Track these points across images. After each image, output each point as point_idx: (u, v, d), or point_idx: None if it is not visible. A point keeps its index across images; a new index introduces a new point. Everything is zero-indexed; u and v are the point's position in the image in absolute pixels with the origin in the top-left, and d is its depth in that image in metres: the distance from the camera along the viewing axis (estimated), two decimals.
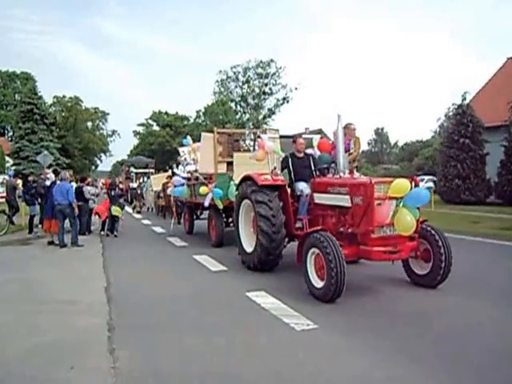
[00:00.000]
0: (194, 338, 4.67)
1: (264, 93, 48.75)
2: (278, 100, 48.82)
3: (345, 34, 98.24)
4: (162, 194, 18.88)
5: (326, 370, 3.86)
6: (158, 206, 21.19)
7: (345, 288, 5.50)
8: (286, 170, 7.96)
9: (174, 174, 15.32)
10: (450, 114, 21.84)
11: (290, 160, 7.91)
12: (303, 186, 7.43)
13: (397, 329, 4.78)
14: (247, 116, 48.94)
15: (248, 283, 6.82)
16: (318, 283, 5.77)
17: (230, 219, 11.12)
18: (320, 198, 6.93)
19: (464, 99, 21.92)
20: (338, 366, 3.93)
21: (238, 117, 49.02)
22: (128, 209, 22.19)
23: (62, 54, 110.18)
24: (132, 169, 34.64)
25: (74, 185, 12.91)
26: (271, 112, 48.00)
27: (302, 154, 8.02)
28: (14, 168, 36.16)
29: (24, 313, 5.71)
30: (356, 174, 7.24)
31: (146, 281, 7.43)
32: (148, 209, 23.93)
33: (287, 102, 48.62)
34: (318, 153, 8.50)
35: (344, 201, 6.29)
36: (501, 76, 25.82)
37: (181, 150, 14.11)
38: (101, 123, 64.16)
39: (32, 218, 13.79)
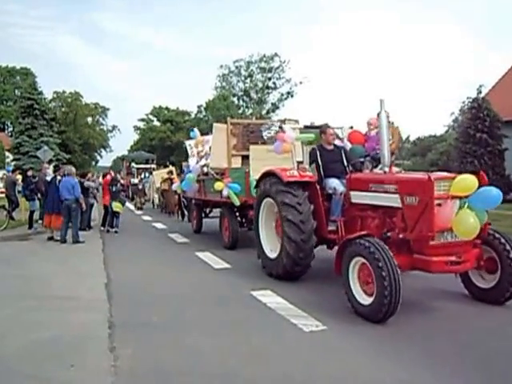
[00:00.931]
0: (196, 337, 4.57)
1: (267, 87, 48.63)
2: (282, 94, 48.73)
3: (352, 27, 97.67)
4: (165, 188, 18.42)
5: (335, 372, 3.74)
6: (161, 203, 20.56)
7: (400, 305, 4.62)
8: (313, 165, 7.11)
9: (181, 171, 14.89)
10: (465, 108, 21.13)
11: (318, 153, 6.98)
12: (335, 183, 6.58)
13: (407, 331, 4.65)
14: (250, 111, 48.80)
15: (252, 281, 6.68)
16: (365, 299, 4.86)
17: (243, 219, 10.36)
18: (358, 197, 6.00)
19: (479, 92, 21.39)
20: (347, 369, 3.81)
21: (240, 111, 48.87)
22: (129, 205, 21.88)
23: (62, 49, 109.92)
24: (133, 164, 34.42)
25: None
26: (275, 107, 47.92)
27: (331, 147, 7.14)
28: (13, 163, 36.07)
29: (23, 309, 5.63)
30: (394, 169, 6.25)
31: (147, 278, 7.33)
32: (154, 206, 23.09)
33: (291, 96, 48.51)
34: (349, 145, 7.66)
35: (392, 201, 5.39)
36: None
37: (187, 143, 13.43)
38: (101, 118, 64.04)
39: (32, 213, 13.72)
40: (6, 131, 58.77)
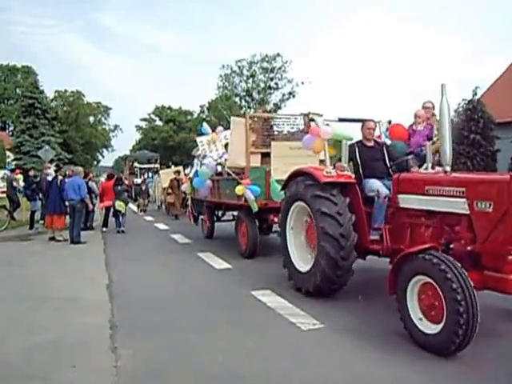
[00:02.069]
0: (198, 336, 4.60)
1: (269, 87, 48.60)
2: (283, 95, 48.66)
3: (353, 27, 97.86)
4: (170, 191, 17.56)
5: (332, 370, 3.79)
6: (167, 205, 19.38)
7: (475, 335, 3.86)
8: (350, 164, 6.28)
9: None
10: (460, 109, 21.35)
11: (357, 150, 6.07)
12: (378, 185, 5.68)
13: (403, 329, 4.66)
14: (252, 111, 48.81)
15: (253, 282, 6.72)
16: (430, 327, 4.05)
17: (262, 223, 9.35)
18: (409, 201, 5.13)
19: (475, 94, 21.57)
20: (344, 366, 3.85)
21: (242, 112, 48.90)
22: (132, 206, 21.38)
23: (64, 47, 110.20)
24: (136, 164, 33.96)
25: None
26: (277, 107, 47.80)
27: (372, 143, 6.24)
28: (14, 163, 36.11)
29: (25, 310, 5.65)
30: (438, 170, 5.51)
31: (149, 278, 7.35)
32: (158, 207, 22.13)
33: (293, 96, 48.42)
34: (387, 141, 6.96)
35: (456, 206, 4.52)
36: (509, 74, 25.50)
37: (199, 140, 12.30)
38: (103, 118, 64.05)
39: (33, 213, 13.74)
40: (7, 130, 58.83)
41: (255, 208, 8.15)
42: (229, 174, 9.17)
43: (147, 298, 6.13)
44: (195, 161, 11.78)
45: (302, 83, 47.38)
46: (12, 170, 16.80)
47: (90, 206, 11.68)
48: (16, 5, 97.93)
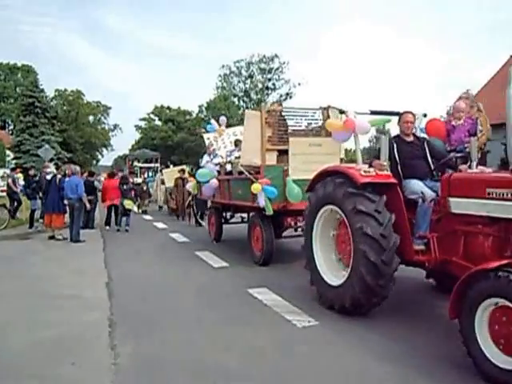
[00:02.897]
0: (196, 334, 4.66)
1: (267, 88, 48.67)
2: (280, 96, 48.76)
3: (351, 28, 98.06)
4: (174, 195, 16.59)
5: (327, 366, 3.86)
6: (170, 205, 18.53)
7: None
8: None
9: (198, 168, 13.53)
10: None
11: (395, 146, 5.30)
12: (420, 186, 5.01)
13: (398, 326, 4.76)
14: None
15: (249, 280, 6.81)
16: (506, 361, 3.33)
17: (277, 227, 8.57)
18: (465, 206, 4.44)
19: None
20: (338, 363, 3.92)
21: (240, 112, 48.97)
22: (135, 208, 20.60)
23: (63, 46, 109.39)
24: (136, 163, 33.59)
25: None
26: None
27: (411, 138, 5.49)
28: (14, 162, 36.15)
29: (24, 307, 5.69)
30: (484, 169, 4.98)
31: (148, 276, 7.41)
32: (160, 208, 21.19)
33: (290, 97, 48.52)
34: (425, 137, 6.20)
35: None
36: (503, 74, 25.69)
37: (206, 136, 11.75)
38: (102, 117, 64.01)
39: (33, 212, 13.78)
40: (7, 129, 58.73)
41: (270, 211, 7.48)
42: (240, 173, 8.41)
43: (146, 295, 6.20)
44: (205, 157, 11.08)
45: (299, 84, 47.57)
46: (13, 170, 16.83)
47: (88, 206, 11.70)
48: (17, 3, 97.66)
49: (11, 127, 58.27)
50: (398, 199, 4.93)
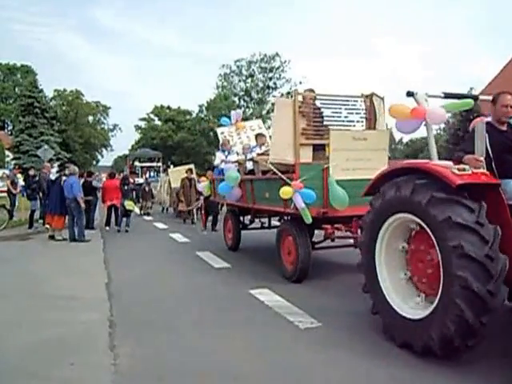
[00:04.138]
0: (196, 335, 4.62)
1: (268, 87, 48.65)
2: (282, 95, 48.70)
3: (351, 27, 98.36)
4: (181, 192, 15.46)
5: (330, 368, 3.80)
6: (176, 206, 17.63)
7: None
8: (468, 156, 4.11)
9: (212, 168, 12.48)
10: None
11: (486, 137, 4.07)
12: None
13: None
14: (250, 111, 48.85)
15: (251, 280, 6.75)
16: None
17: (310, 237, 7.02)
18: None
19: None
20: (342, 365, 3.86)
21: (241, 111, 48.98)
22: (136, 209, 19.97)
23: (63, 46, 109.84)
24: (136, 163, 33.22)
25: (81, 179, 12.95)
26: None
27: (504, 127, 4.34)
28: (13, 162, 36.15)
29: (24, 308, 5.67)
30: None
31: (148, 277, 7.37)
32: (163, 209, 20.36)
33: (291, 96, 48.50)
34: None
35: None
36: (509, 71, 25.64)
37: (219, 131, 10.73)
38: (102, 117, 64.04)
39: (32, 212, 13.76)
40: (6, 130, 58.73)
41: (308, 219, 6.20)
42: (264, 172, 7.53)
43: (146, 296, 6.15)
44: (218, 154, 10.05)
45: (300, 83, 47.49)
46: (13, 169, 16.89)
47: (83, 206, 11.62)
48: (14, 3, 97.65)
49: (10, 128, 58.30)
50: (501, 206, 3.78)
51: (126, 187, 13.75)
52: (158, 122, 63.02)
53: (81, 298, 6.06)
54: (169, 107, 63.32)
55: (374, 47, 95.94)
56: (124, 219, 13.49)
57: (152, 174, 29.26)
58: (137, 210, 14.52)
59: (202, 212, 13.61)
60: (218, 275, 7.37)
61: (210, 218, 13.27)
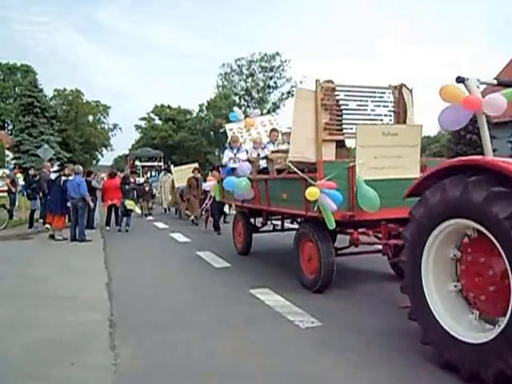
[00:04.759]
0: (197, 335, 4.61)
1: (269, 86, 48.65)
2: (282, 94, 48.73)
3: (352, 26, 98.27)
4: (187, 192, 14.73)
5: (330, 368, 3.80)
6: (178, 206, 17.13)
7: None
8: None
9: (217, 168, 12.27)
10: None
11: None
12: None
13: (402, 328, 4.69)
14: (251, 110, 48.90)
15: (252, 280, 6.74)
16: None
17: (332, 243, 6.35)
18: None
19: None
20: (342, 365, 3.86)
21: (242, 111, 48.95)
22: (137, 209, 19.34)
23: (63, 45, 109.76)
24: (137, 162, 32.86)
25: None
26: (275, 106, 47.91)
27: None
28: (13, 162, 36.15)
29: (24, 308, 5.66)
30: None
31: (148, 277, 7.36)
32: (165, 210, 19.72)
33: (292, 96, 48.43)
34: None
35: None
36: (510, 70, 25.60)
37: (228, 127, 10.14)
38: (102, 117, 64.03)
39: (33, 212, 13.76)
40: (6, 129, 58.74)
41: (332, 224, 5.53)
42: (279, 172, 7.06)
43: (146, 296, 6.15)
44: (226, 152, 9.56)
45: (301, 82, 47.45)
46: (13, 170, 16.90)
47: (91, 204, 11.70)
48: (14, 2, 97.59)
49: (10, 127, 58.28)
50: None
51: (126, 187, 13.74)
52: (158, 122, 63.01)
53: (81, 298, 6.06)
54: (169, 107, 63.32)
55: (376, 48, 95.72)
56: (124, 219, 13.49)
57: (153, 173, 28.83)
58: (137, 210, 14.45)
59: (205, 212, 13.32)
60: (218, 275, 7.36)
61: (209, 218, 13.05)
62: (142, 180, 22.86)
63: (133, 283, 6.94)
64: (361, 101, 6.59)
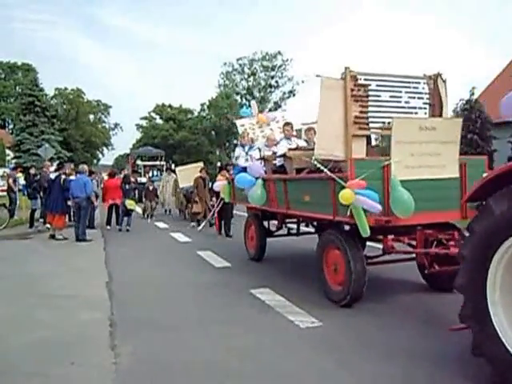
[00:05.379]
0: (196, 334, 4.62)
1: (270, 86, 48.63)
2: (284, 93, 48.69)
3: (353, 26, 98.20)
4: (195, 192, 13.78)
5: (330, 368, 3.80)
6: (183, 208, 16.43)
7: None
8: None
9: (225, 167, 11.76)
10: (458, 109, 21.58)
11: None
12: None
13: (405, 327, 4.69)
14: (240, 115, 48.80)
15: (252, 280, 6.75)
16: None
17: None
18: None
19: (472, 94, 21.74)
20: (342, 364, 3.86)
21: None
22: (137, 209, 17.74)
23: (64, 44, 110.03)
24: (139, 161, 32.12)
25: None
26: (277, 105, 47.88)
27: None
28: (14, 161, 36.14)
29: (25, 307, 5.67)
30: None
31: (148, 276, 7.36)
32: (166, 211, 18.63)
33: (293, 95, 48.47)
34: None
35: None
36: (510, 71, 25.58)
37: (239, 123, 9.48)
38: (103, 116, 64.07)
39: (33, 212, 13.76)
40: (7, 128, 58.78)
41: (366, 231, 4.88)
42: (298, 171, 6.43)
43: (146, 295, 6.16)
44: (237, 150, 9.04)
45: (303, 82, 47.42)
46: (14, 169, 16.87)
47: (96, 203, 11.71)
48: (14, 1, 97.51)
49: (11, 126, 58.32)
50: None
51: (126, 186, 13.72)
52: (159, 121, 63.04)
53: (81, 297, 6.06)
54: (170, 106, 63.33)
55: (377, 49, 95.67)
56: (125, 218, 13.48)
57: (155, 172, 28.47)
58: (138, 210, 14.37)
59: (215, 216, 12.37)
60: (218, 275, 7.36)
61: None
62: (143, 179, 22.28)
63: (133, 282, 6.94)
64: (394, 91, 5.88)
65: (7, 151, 40.71)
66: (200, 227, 11.63)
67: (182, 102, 77.09)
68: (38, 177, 13.94)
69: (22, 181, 16.34)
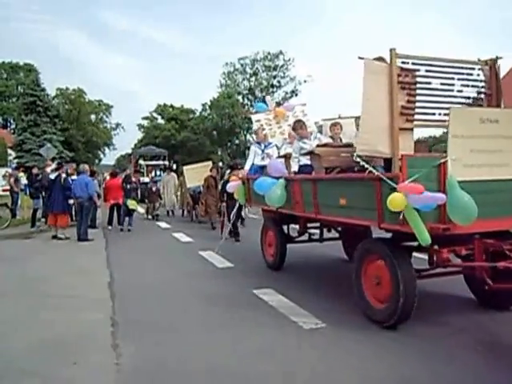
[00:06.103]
0: (199, 335, 4.60)
1: (272, 85, 48.62)
2: (286, 93, 48.68)
3: (354, 26, 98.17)
4: (204, 193, 13.36)
5: (334, 369, 3.77)
6: (190, 208, 15.98)
7: None
8: None
9: (236, 166, 11.24)
10: None
11: None
12: None
13: (408, 329, 4.65)
14: (254, 109, 48.83)
15: (255, 280, 6.72)
16: None
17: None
18: None
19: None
20: (346, 366, 3.83)
21: (245, 110, 48.90)
22: (140, 209, 16.79)
23: (65, 44, 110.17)
24: (141, 161, 32.32)
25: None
26: (279, 105, 47.93)
27: None
28: (16, 161, 36.21)
29: (26, 307, 5.65)
30: None
31: (150, 276, 7.34)
32: (168, 212, 17.82)
33: (296, 95, 48.44)
34: None
35: None
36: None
37: (255, 118, 8.88)
38: (104, 116, 64.08)
39: (35, 211, 13.74)
40: (9, 128, 58.89)
41: (426, 239, 4.15)
42: (327, 170, 5.81)
43: (148, 295, 6.14)
44: (252, 148, 8.54)
45: (305, 81, 47.40)
46: (16, 169, 16.91)
47: (98, 203, 11.70)
48: (15, 1, 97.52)
49: (13, 126, 58.41)
50: None
51: (128, 186, 13.69)
52: (161, 121, 63.02)
53: (83, 298, 6.05)
54: (172, 106, 63.33)
55: (377, 49, 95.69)
56: (126, 218, 13.47)
57: (158, 172, 28.33)
58: (140, 210, 14.27)
59: (222, 218, 11.71)
60: (221, 275, 7.33)
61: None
62: (146, 179, 21.84)
63: (135, 283, 6.92)
64: (446, 78, 5.08)
65: (9, 151, 40.79)
66: (222, 238, 9.51)
67: (183, 101, 77.23)
68: (40, 176, 13.93)
69: (24, 180, 16.32)
